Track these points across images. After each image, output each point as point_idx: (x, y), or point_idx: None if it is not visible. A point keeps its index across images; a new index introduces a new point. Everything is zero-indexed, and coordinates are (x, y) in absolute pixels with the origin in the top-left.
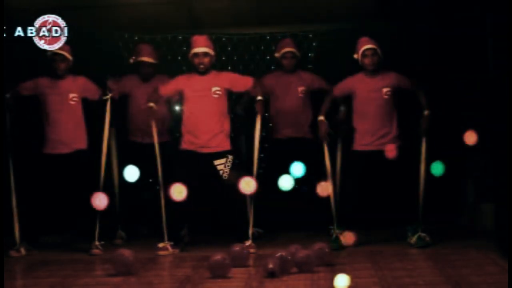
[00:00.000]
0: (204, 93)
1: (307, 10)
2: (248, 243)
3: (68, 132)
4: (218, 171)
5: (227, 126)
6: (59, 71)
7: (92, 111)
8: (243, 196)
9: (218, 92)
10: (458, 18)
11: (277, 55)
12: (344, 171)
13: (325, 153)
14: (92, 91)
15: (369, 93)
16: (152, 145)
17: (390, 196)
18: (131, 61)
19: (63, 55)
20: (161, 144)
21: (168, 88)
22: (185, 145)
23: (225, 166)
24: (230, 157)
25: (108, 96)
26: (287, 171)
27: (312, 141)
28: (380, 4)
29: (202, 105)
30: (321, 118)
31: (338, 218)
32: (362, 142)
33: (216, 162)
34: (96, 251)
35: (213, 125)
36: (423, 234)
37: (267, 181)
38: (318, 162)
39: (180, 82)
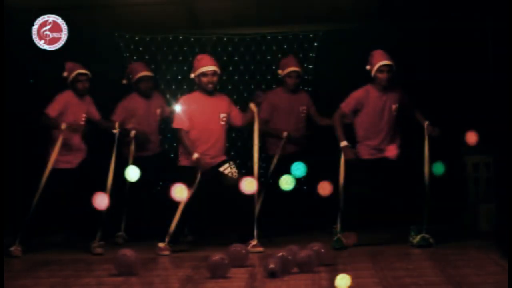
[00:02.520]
0: (212, 118)
1: (308, 10)
2: (253, 242)
3: (75, 150)
4: (223, 176)
5: (225, 145)
6: (84, 91)
7: None
8: (248, 196)
9: (224, 119)
10: (459, 19)
11: (280, 72)
12: (348, 176)
13: (341, 164)
14: (93, 113)
15: (379, 110)
16: (149, 156)
17: (394, 197)
18: (124, 81)
19: (87, 74)
20: (158, 155)
21: (186, 123)
22: (190, 162)
23: (231, 168)
24: (230, 162)
25: (117, 131)
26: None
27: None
28: (382, 4)
29: (210, 130)
30: (345, 143)
31: (341, 219)
32: (367, 152)
33: (221, 168)
34: (99, 250)
35: (220, 150)
36: (427, 235)
37: (272, 190)
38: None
39: (192, 109)
